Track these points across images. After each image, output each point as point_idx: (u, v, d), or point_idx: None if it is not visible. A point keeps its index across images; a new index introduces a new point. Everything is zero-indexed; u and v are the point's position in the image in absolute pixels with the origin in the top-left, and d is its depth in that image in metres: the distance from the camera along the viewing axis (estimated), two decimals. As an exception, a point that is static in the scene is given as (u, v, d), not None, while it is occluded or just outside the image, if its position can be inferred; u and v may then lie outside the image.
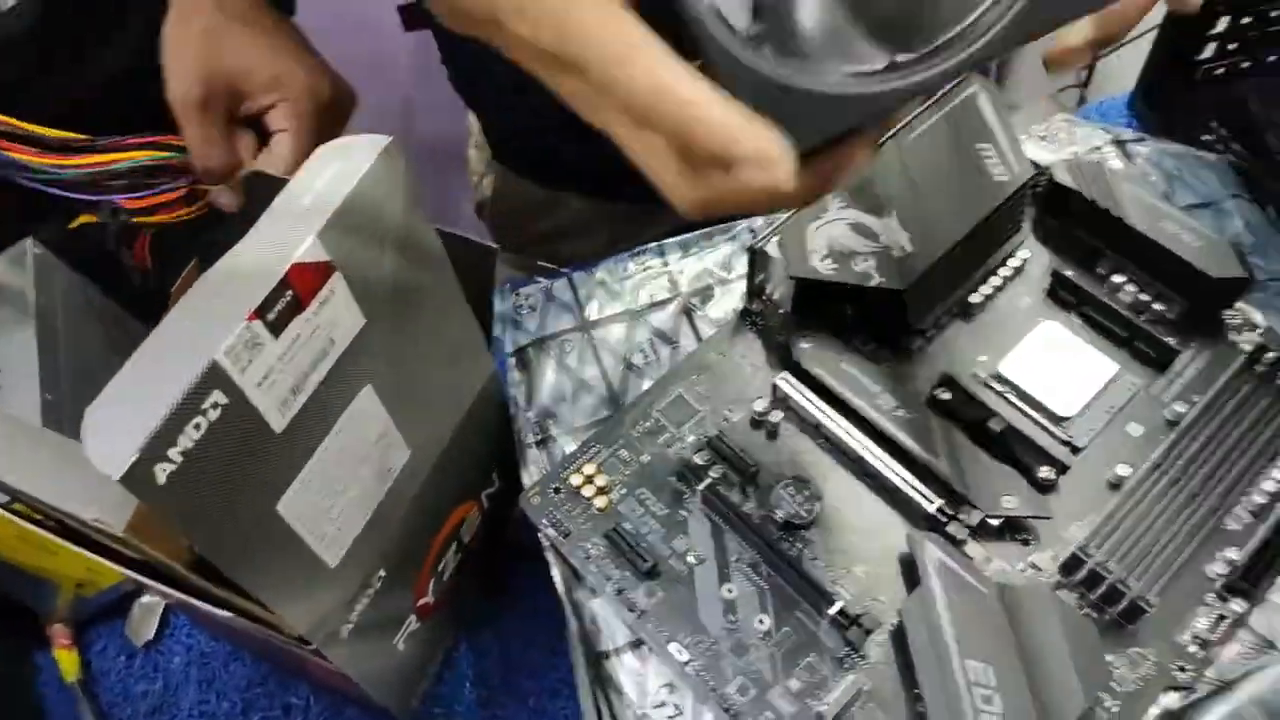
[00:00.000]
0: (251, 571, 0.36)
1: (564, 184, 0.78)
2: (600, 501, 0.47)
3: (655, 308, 0.54)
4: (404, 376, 0.40)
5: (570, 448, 0.49)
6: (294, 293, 0.32)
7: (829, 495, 0.46)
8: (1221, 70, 0.60)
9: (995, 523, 0.44)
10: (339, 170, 0.33)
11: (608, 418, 0.50)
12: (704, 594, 0.44)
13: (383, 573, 0.45)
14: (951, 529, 0.44)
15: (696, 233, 0.57)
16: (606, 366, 0.52)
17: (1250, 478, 0.44)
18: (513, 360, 0.53)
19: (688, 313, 0.53)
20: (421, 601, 0.50)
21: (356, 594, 0.44)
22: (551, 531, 0.46)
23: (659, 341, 0.53)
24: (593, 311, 0.54)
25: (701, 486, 0.46)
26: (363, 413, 0.39)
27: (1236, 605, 0.42)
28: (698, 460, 0.47)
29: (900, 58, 0.29)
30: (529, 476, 0.49)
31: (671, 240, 0.56)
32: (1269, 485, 0.44)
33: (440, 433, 0.45)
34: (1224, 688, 0.41)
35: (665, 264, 0.55)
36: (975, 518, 0.44)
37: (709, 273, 0.55)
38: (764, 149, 0.27)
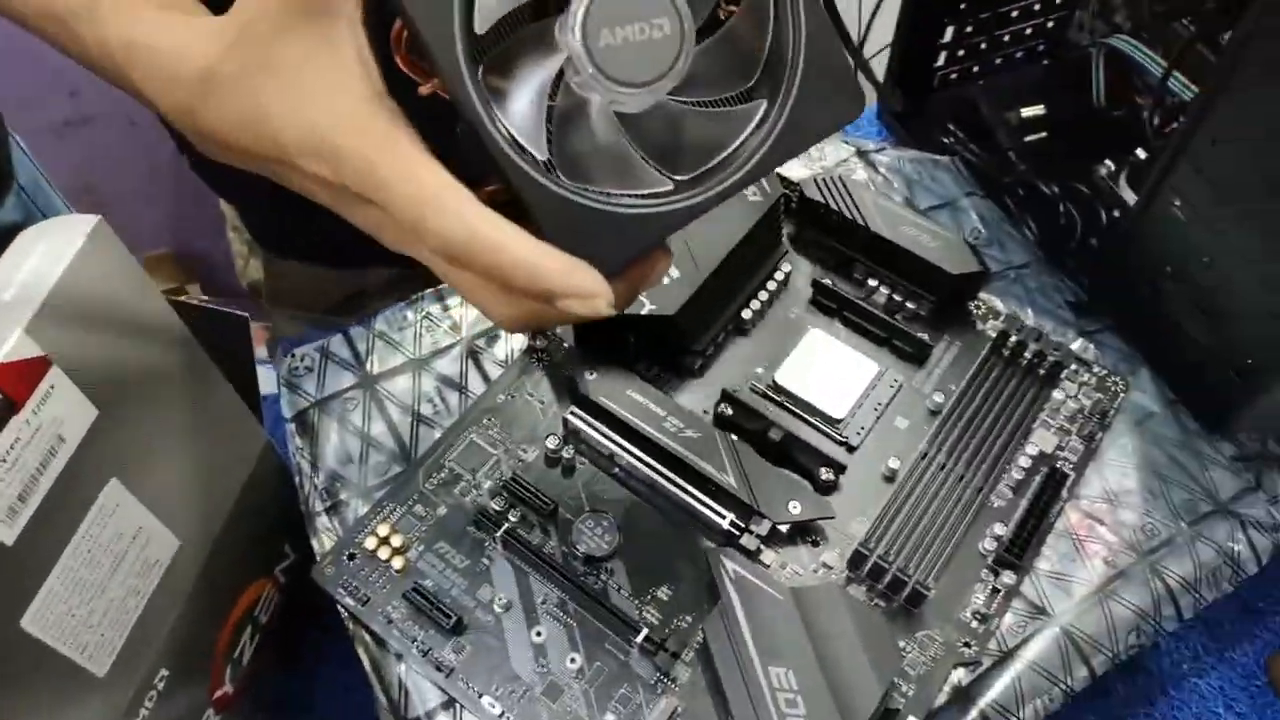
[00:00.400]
0: (3, 697, 0.33)
1: (341, 262, 0.73)
2: (398, 562, 0.45)
3: (439, 354, 0.53)
4: (157, 464, 0.38)
5: (364, 510, 0.48)
6: (3, 395, 0.30)
7: (628, 524, 0.47)
8: (954, 76, 0.65)
9: (785, 529, 0.46)
10: (43, 256, 0.31)
11: (400, 474, 0.49)
12: (514, 641, 0.44)
13: (165, 671, 0.42)
14: (745, 541, 0.46)
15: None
16: (394, 420, 0.51)
17: (1009, 455, 0.48)
18: (293, 426, 0.51)
19: (473, 356, 0.53)
20: (219, 693, 0.47)
21: (136, 700, 0.41)
22: (349, 601, 0.45)
23: (446, 388, 0.52)
24: (374, 365, 0.53)
25: (501, 532, 0.46)
26: (111, 509, 0.36)
27: (1008, 577, 0.45)
28: (495, 506, 0.47)
29: (680, 179, 0.32)
30: (321, 546, 0.47)
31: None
32: (1024, 461, 0.48)
33: (212, 515, 0.43)
34: (1005, 657, 0.44)
35: (446, 309, 0.55)
36: (766, 527, 0.45)
37: (491, 314, 0.55)
38: (582, 285, 0.29)
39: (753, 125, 0.32)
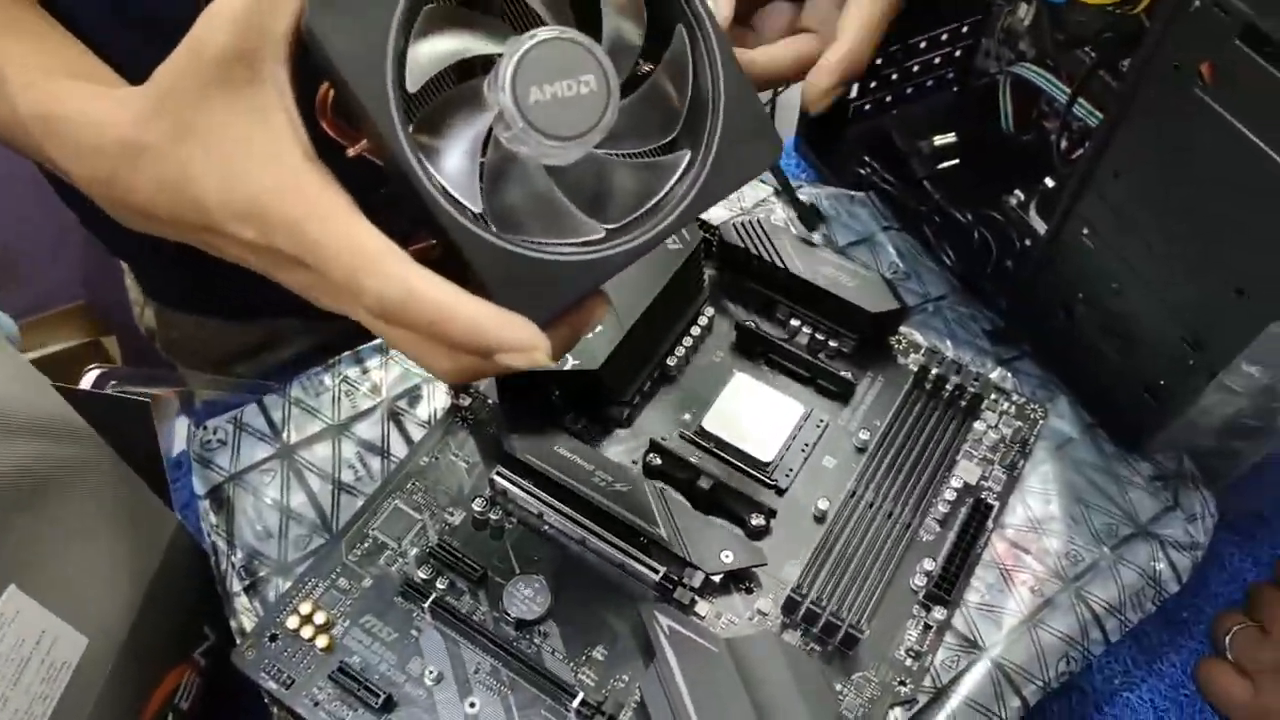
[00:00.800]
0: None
1: (237, 316, 0.71)
2: (322, 641, 0.44)
3: (359, 419, 0.52)
4: (58, 563, 0.36)
5: (285, 587, 0.46)
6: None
7: (559, 584, 0.46)
8: (867, 107, 0.66)
9: (718, 579, 0.45)
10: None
11: (321, 546, 0.48)
12: (446, 714, 0.43)
13: (81, 776, 0.40)
14: (678, 594, 0.45)
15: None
16: (314, 490, 0.50)
17: (934, 489, 0.49)
18: (206, 503, 0.49)
19: (395, 418, 0.52)
20: (143, 788, 0.45)
21: (52, 809, 0.39)
22: (272, 685, 0.43)
23: (368, 453, 0.51)
24: (291, 434, 0.51)
25: (429, 601, 0.45)
26: (11, 617, 0.35)
27: (939, 613, 0.45)
28: (422, 574, 0.46)
29: (611, 227, 0.33)
30: (241, 627, 0.46)
31: (367, 345, 0.54)
32: (949, 495, 0.48)
33: (122, 607, 0.42)
34: (939, 694, 0.44)
35: (365, 371, 0.54)
36: (699, 578, 0.45)
37: (412, 372, 0.54)
38: (519, 339, 0.30)
39: (678, 174, 0.34)
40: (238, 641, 0.45)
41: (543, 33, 0.30)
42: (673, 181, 0.34)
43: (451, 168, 0.31)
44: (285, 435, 0.51)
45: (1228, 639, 0.50)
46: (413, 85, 0.30)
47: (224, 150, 0.29)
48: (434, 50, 0.30)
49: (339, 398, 0.53)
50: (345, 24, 0.29)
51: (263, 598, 0.47)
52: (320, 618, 0.45)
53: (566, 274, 0.32)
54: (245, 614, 0.46)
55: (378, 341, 0.55)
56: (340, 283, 0.30)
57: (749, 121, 0.34)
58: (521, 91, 0.30)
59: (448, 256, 0.31)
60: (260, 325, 0.73)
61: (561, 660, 0.44)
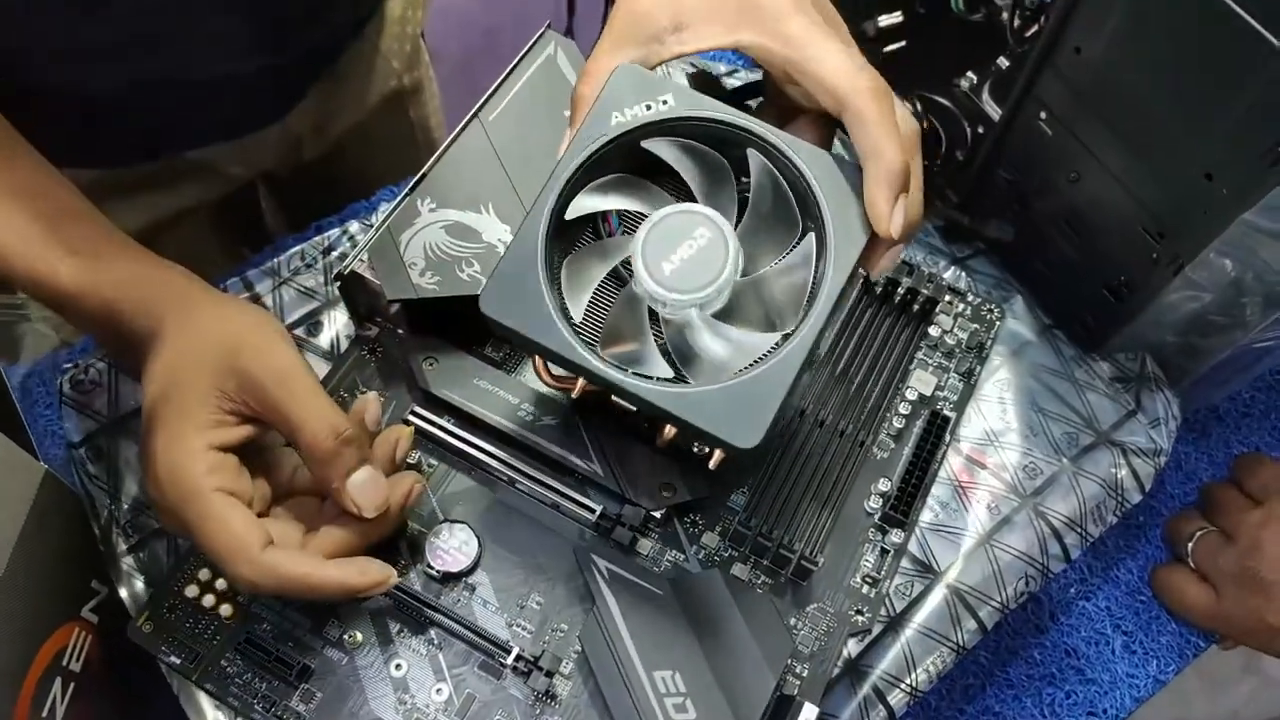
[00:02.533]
0: None
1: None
2: (226, 609, 0.41)
3: None
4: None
5: (176, 543, 0.42)
6: None
7: (488, 530, 0.43)
8: None
9: (659, 514, 0.42)
10: None
11: None
12: (370, 679, 0.40)
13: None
14: (617, 534, 0.43)
15: (289, 251, 0.50)
16: None
17: (888, 402, 0.46)
18: (82, 452, 0.44)
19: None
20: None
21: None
22: (174, 659, 0.40)
23: None
24: None
25: (343, 559, 0.41)
26: None
27: (895, 536, 0.43)
28: (334, 529, 0.42)
29: (788, 331, 0.37)
30: (130, 589, 0.42)
31: (256, 269, 0.49)
32: (904, 408, 0.46)
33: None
34: (892, 623, 0.42)
35: (255, 297, 0.49)
36: (639, 515, 0.42)
37: (310, 294, 0.49)
38: (376, 580, 0.39)
39: (814, 256, 0.37)
40: (126, 605, 0.41)
41: (654, 217, 0.36)
42: (814, 266, 0.37)
43: (647, 355, 0.36)
44: (169, 377, 0.46)
45: (1190, 545, 0.50)
46: (578, 315, 0.37)
47: (164, 431, 0.38)
48: (578, 284, 0.37)
49: (229, 332, 0.48)
50: (509, 304, 0.36)
51: (152, 556, 0.43)
52: (222, 584, 0.41)
53: (766, 381, 0.35)
54: (132, 574, 0.43)
55: (267, 264, 0.50)
56: (217, 562, 0.37)
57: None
58: (656, 272, 0.35)
59: (648, 416, 0.38)
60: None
61: (494, 613, 0.42)
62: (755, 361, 0.36)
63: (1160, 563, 0.51)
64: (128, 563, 0.43)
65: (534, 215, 0.37)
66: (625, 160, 0.38)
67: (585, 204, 0.37)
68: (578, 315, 0.36)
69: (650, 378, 0.35)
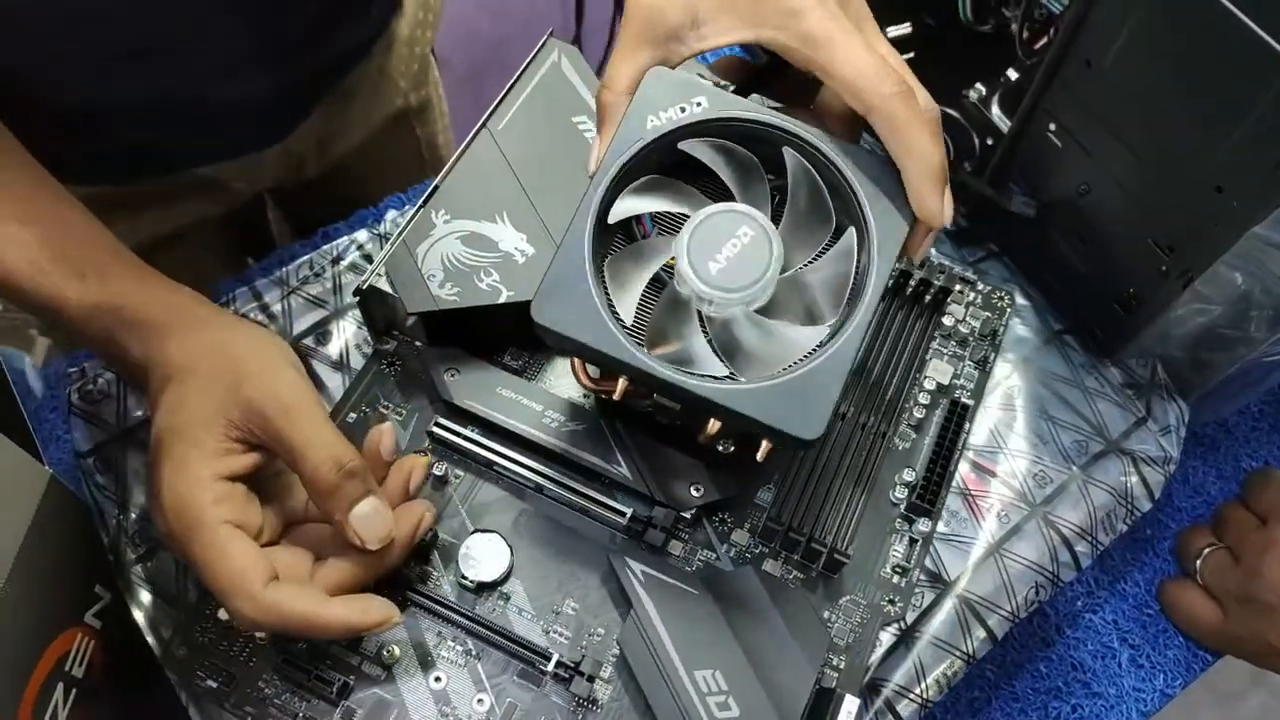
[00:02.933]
0: None
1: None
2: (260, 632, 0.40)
3: None
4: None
5: None
6: None
7: (519, 538, 0.43)
8: None
9: (690, 515, 0.43)
10: None
11: None
12: (410, 693, 0.40)
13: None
14: (650, 536, 0.43)
15: (297, 260, 0.50)
16: None
17: (907, 392, 0.48)
18: (90, 462, 0.43)
19: (303, 359, 0.47)
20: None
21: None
22: (212, 684, 0.39)
23: None
24: None
25: (378, 571, 0.41)
26: None
27: (923, 525, 0.45)
28: (365, 543, 0.41)
29: (832, 324, 0.38)
30: (136, 599, 0.42)
31: (264, 279, 0.48)
32: (923, 398, 0.47)
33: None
34: (904, 635, 0.43)
35: (264, 306, 0.48)
36: (669, 516, 0.43)
37: (318, 303, 0.48)
38: (380, 618, 0.38)
39: (855, 250, 0.38)
40: (135, 616, 0.41)
41: (695, 218, 0.37)
42: (855, 258, 0.38)
43: (695, 354, 0.37)
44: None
45: (1198, 562, 0.50)
46: (628, 318, 0.37)
47: (170, 460, 0.38)
48: (622, 288, 0.37)
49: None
50: (561, 312, 0.36)
51: (160, 567, 0.43)
52: (255, 602, 0.40)
53: (823, 373, 0.36)
54: (141, 585, 0.42)
55: (275, 273, 0.50)
56: (218, 596, 0.37)
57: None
58: (702, 272, 0.36)
59: (692, 414, 0.41)
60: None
61: (531, 620, 0.42)
62: (807, 355, 0.36)
63: (1168, 576, 0.52)
64: (136, 572, 0.42)
65: (577, 221, 0.37)
66: (659, 162, 0.39)
67: (626, 207, 0.38)
68: (628, 319, 0.37)
69: (702, 375, 0.36)
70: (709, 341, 0.37)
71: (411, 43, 0.67)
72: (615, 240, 0.40)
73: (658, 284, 0.38)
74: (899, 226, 0.37)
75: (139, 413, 0.46)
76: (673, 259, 0.37)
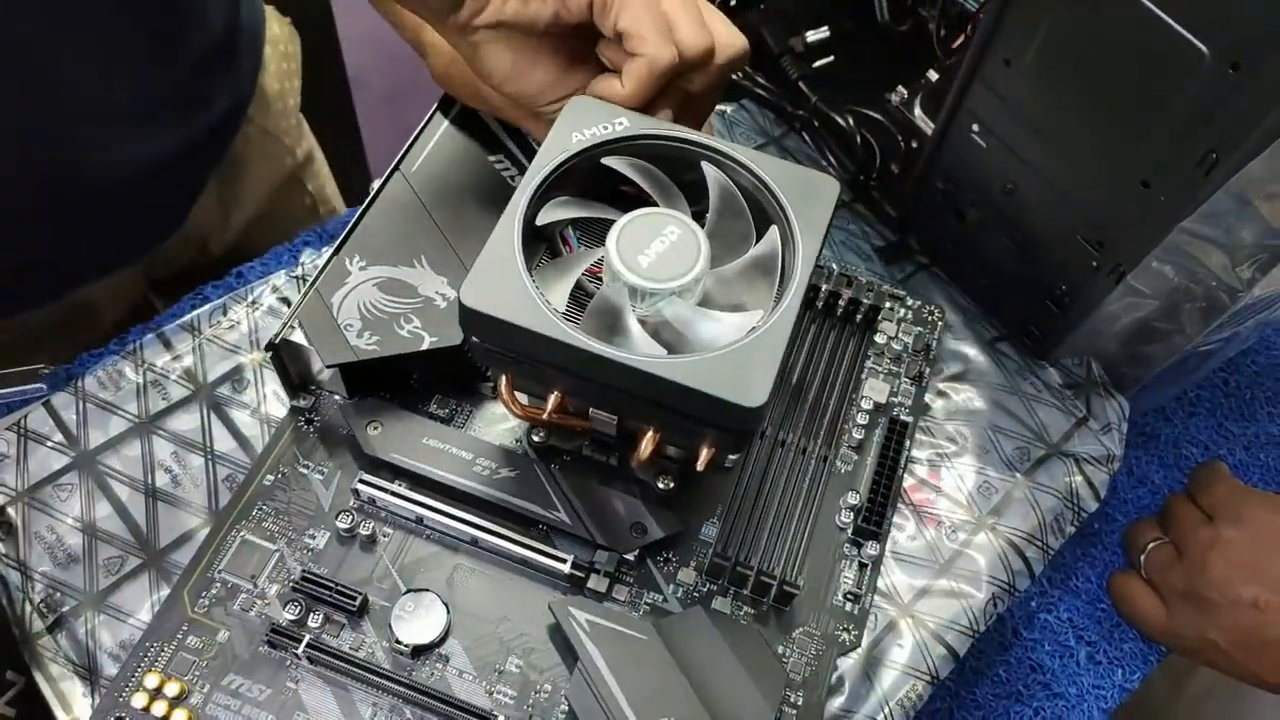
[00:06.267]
0: None
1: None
2: (180, 716, 0.38)
3: (172, 411, 0.45)
4: None
5: (98, 619, 0.41)
6: None
7: (456, 594, 0.41)
8: (733, 3, 0.59)
9: (633, 557, 0.42)
10: None
11: (139, 566, 0.42)
12: (348, 771, 0.38)
13: None
14: (593, 582, 0.42)
15: (205, 306, 0.48)
16: (123, 501, 0.44)
17: (845, 414, 0.47)
18: (-11, 530, 0.42)
19: (216, 409, 0.46)
20: None
21: None
22: (130, 780, 0.37)
23: (186, 451, 0.45)
24: (89, 438, 0.45)
25: (303, 645, 0.39)
26: None
27: (871, 548, 0.44)
28: (289, 615, 0.40)
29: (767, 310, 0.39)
30: (46, 674, 0.40)
31: (173, 324, 0.46)
32: (861, 418, 0.47)
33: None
34: (866, 666, 0.42)
35: (174, 355, 0.46)
36: (612, 560, 0.42)
37: (233, 350, 0.47)
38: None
39: (779, 244, 0.39)
40: (45, 694, 0.39)
41: (621, 220, 0.38)
42: (778, 249, 0.39)
43: (633, 341, 0.36)
44: (82, 440, 0.45)
45: (1143, 556, 0.50)
46: (560, 306, 0.37)
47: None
48: (553, 290, 0.37)
49: (145, 389, 0.46)
50: (490, 294, 0.35)
51: (73, 635, 0.41)
52: (173, 688, 0.39)
53: (759, 348, 0.36)
54: (51, 658, 0.40)
55: (186, 317, 0.48)
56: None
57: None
58: (632, 264, 0.37)
59: (630, 422, 0.40)
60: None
61: (472, 681, 0.40)
62: (747, 331, 0.37)
63: (1117, 570, 0.52)
64: (45, 644, 0.40)
65: (506, 219, 0.37)
66: (581, 185, 0.40)
67: (553, 214, 0.39)
68: (560, 307, 0.37)
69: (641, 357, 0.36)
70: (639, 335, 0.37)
71: (283, 96, 0.67)
72: (540, 259, 0.40)
73: (581, 303, 0.38)
74: (818, 205, 0.39)
75: (40, 474, 0.44)
76: (598, 264, 0.38)
